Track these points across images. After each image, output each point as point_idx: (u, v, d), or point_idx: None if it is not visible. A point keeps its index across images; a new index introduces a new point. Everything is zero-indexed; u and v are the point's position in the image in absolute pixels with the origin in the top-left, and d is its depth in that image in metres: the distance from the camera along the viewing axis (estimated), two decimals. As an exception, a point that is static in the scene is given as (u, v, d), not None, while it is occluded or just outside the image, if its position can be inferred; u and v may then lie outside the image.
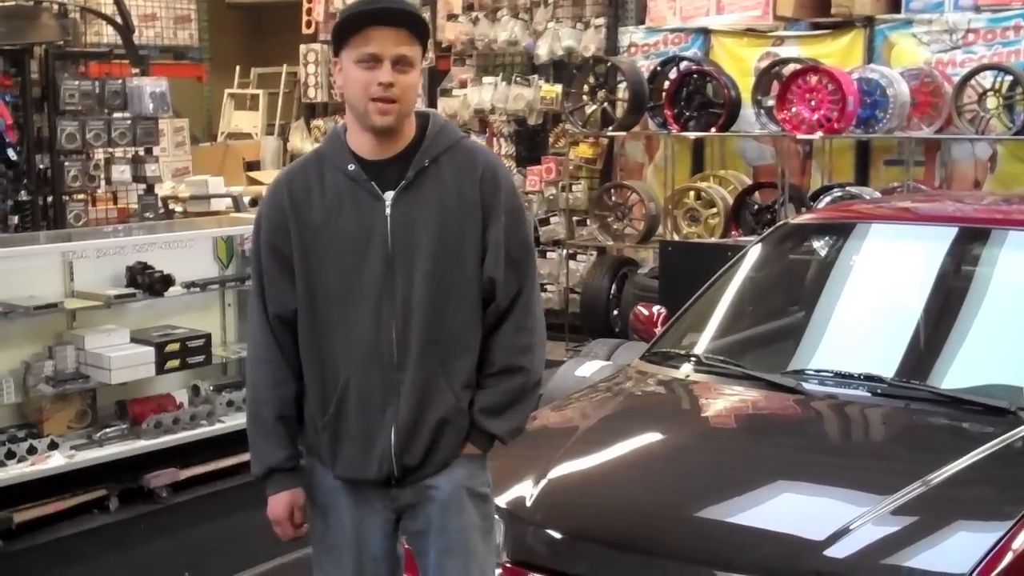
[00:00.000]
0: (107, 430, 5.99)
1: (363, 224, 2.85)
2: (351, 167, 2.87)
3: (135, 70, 8.61)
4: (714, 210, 8.60)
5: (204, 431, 6.22)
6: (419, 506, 2.95)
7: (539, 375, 3.01)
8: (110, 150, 8.08)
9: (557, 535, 3.30)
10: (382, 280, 2.85)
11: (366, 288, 2.85)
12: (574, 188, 9.77)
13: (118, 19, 8.93)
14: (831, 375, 3.99)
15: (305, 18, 11.93)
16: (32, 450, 5.65)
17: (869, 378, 3.91)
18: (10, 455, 5.58)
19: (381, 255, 2.84)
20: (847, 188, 7.83)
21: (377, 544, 2.98)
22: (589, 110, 9.23)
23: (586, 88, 9.24)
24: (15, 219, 7.62)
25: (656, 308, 4.79)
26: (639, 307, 4.87)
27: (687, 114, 8.68)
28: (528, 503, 3.38)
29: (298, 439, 3.00)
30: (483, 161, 2.95)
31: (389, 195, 2.85)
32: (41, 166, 7.85)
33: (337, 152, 2.90)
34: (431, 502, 2.94)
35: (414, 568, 3.08)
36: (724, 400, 4.09)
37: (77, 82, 7.89)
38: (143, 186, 8.31)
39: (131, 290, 6.10)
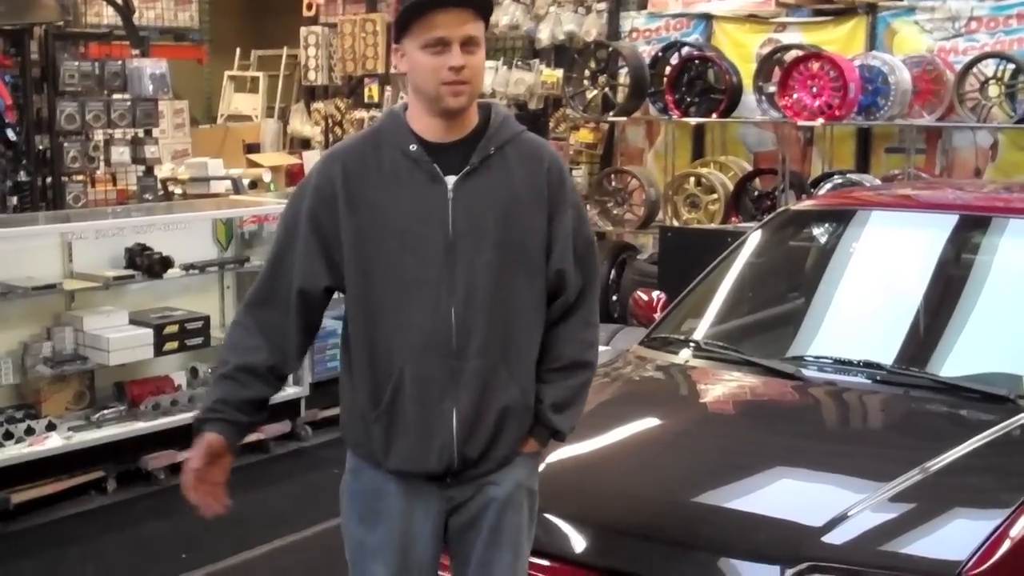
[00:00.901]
0: (105, 411, 6.00)
1: (422, 206, 2.77)
2: (413, 147, 2.79)
3: (135, 51, 8.62)
4: (714, 196, 8.59)
5: (202, 413, 6.21)
6: (473, 502, 2.87)
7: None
8: (109, 131, 8.08)
9: (556, 520, 3.29)
10: (442, 265, 2.76)
11: (424, 272, 2.77)
12: (574, 173, 9.74)
13: (118, 0, 8.91)
14: (830, 362, 3.99)
15: (306, 0, 11.90)
16: (30, 431, 5.66)
17: (868, 365, 3.91)
18: (8, 436, 5.59)
19: (441, 239, 2.76)
20: (847, 175, 7.83)
21: (425, 547, 2.88)
22: (590, 95, 9.22)
23: (587, 73, 9.22)
24: (14, 200, 7.63)
25: (656, 293, 4.79)
26: (639, 292, 4.87)
27: (688, 100, 8.67)
28: (526, 487, 3.37)
29: (234, 402, 2.85)
30: (548, 154, 2.91)
31: (451, 179, 2.78)
32: (40, 147, 7.86)
33: (397, 131, 2.82)
34: (489, 500, 2.87)
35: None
36: (723, 386, 4.09)
37: (77, 63, 7.88)
38: (142, 168, 8.31)
39: (130, 272, 6.10)
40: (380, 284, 2.78)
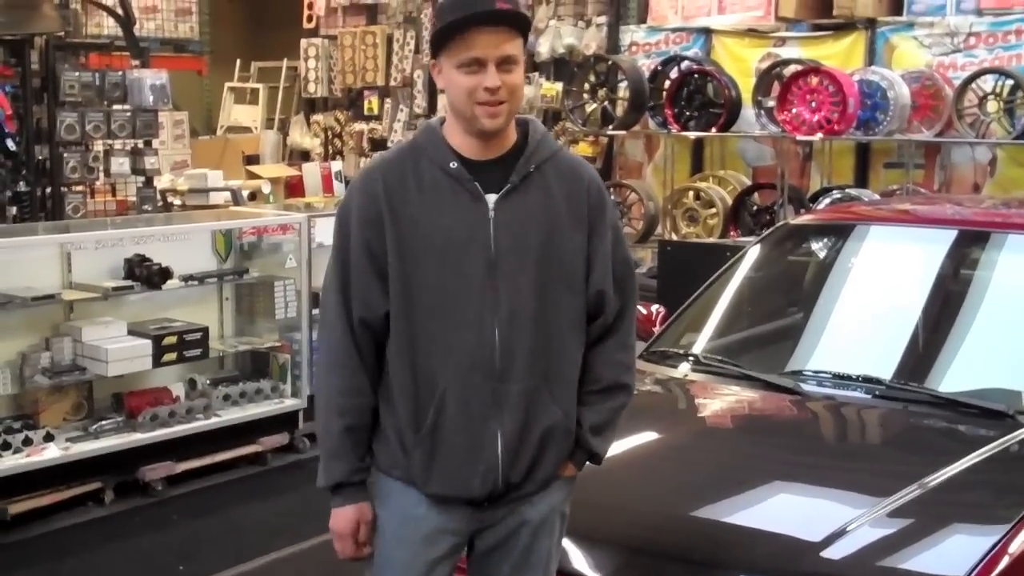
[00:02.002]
0: (103, 422, 5.99)
1: (463, 224, 2.71)
2: (453, 164, 2.73)
3: (135, 62, 8.62)
4: (713, 210, 8.60)
5: (200, 425, 6.21)
6: (503, 524, 2.82)
7: None
8: (109, 142, 8.07)
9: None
10: (485, 284, 2.71)
11: (467, 291, 2.71)
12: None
13: (119, 11, 8.94)
14: (829, 376, 3.99)
15: (306, 12, 11.94)
16: (28, 441, 5.65)
17: (867, 380, 3.91)
18: (5, 446, 5.57)
19: (484, 258, 2.71)
20: (846, 190, 7.84)
21: (443, 570, 2.83)
22: (589, 108, 9.24)
23: (587, 86, 9.25)
24: (13, 210, 7.62)
25: (655, 307, 4.79)
26: (637, 306, 4.86)
27: (687, 114, 8.69)
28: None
29: (366, 454, 2.81)
30: (587, 173, 2.87)
31: (491, 197, 2.73)
32: (40, 157, 7.85)
33: (436, 147, 2.76)
34: (523, 524, 2.82)
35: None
36: (722, 400, 4.09)
37: (77, 73, 7.88)
38: (142, 178, 8.30)
39: (129, 282, 6.09)
40: (422, 303, 2.72)
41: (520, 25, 2.69)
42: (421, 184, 2.74)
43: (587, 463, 2.93)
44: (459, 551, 2.86)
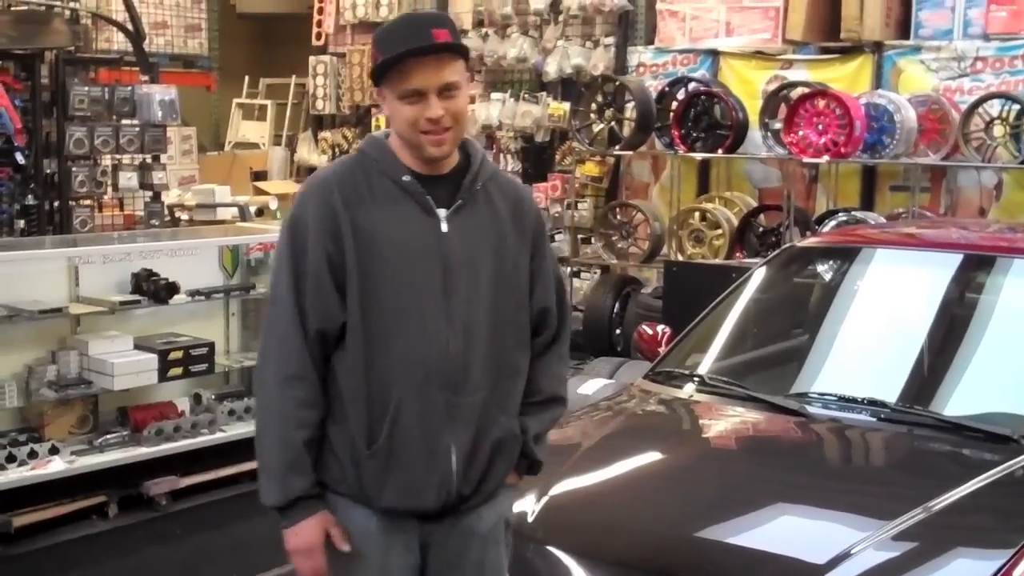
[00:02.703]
0: (108, 436, 5.99)
1: (418, 237, 2.74)
2: (406, 178, 2.76)
3: (144, 77, 8.65)
4: (719, 231, 8.61)
5: (205, 440, 6.21)
6: (455, 540, 2.84)
7: None
8: (118, 156, 8.10)
9: (558, 552, 3.29)
10: (440, 298, 2.73)
11: (423, 304, 2.73)
12: (580, 206, 9.78)
13: (129, 26, 8.97)
14: (835, 399, 3.99)
15: (315, 30, 11.97)
16: (33, 454, 5.66)
17: (872, 403, 3.91)
18: (11, 459, 5.58)
19: (437, 271, 2.74)
20: (852, 213, 7.84)
21: None
22: (596, 128, 9.25)
23: (594, 106, 9.26)
24: (21, 223, 7.65)
25: (661, 327, 4.80)
26: (644, 326, 4.88)
27: (694, 135, 8.69)
28: (529, 519, 3.38)
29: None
30: (527, 193, 2.97)
31: (442, 212, 2.77)
32: (49, 171, 7.89)
33: (387, 160, 2.79)
34: (471, 535, 2.84)
35: None
36: (727, 421, 4.09)
37: (87, 88, 7.93)
38: (149, 193, 8.33)
39: (136, 297, 6.11)
40: (379, 314, 2.72)
41: (458, 51, 2.73)
42: (374, 196, 2.75)
43: (527, 472, 2.97)
44: (415, 568, 2.84)
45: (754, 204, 8.85)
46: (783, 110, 8.32)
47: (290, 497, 2.74)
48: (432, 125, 2.69)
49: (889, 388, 4.00)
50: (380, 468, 2.74)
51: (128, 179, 8.15)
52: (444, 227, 2.76)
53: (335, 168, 2.85)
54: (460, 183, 2.80)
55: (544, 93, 10.15)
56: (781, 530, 3.38)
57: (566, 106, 9.73)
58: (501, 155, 10.46)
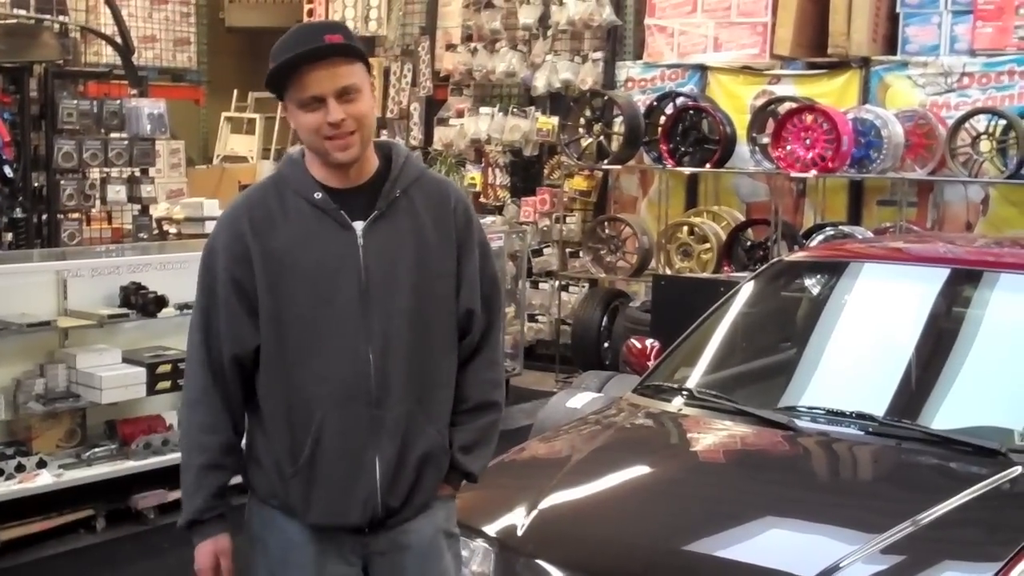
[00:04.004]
0: (96, 450, 5.98)
1: (332, 254, 2.71)
2: (318, 195, 2.73)
3: (133, 91, 8.65)
4: (707, 245, 8.63)
5: (193, 453, 6.18)
6: (393, 553, 2.81)
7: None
8: (106, 170, 8.09)
9: (547, 566, 3.29)
10: (358, 313, 2.71)
11: (340, 321, 2.71)
12: (568, 220, 9.80)
13: (118, 40, 8.96)
14: (823, 412, 4.01)
15: (304, 44, 11.96)
16: (20, 468, 5.63)
17: (860, 416, 3.92)
18: (-2, 472, 5.57)
19: (355, 287, 2.71)
20: (840, 227, 7.87)
21: None
22: (585, 143, 9.28)
23: (582, 121, 9.29)
24: (9, 236, 7.63)
25: (649, 341, 4.81)
26: (632, 340, 4.89)
27: (682, 149, 8.72)
28: (518, 533, 3.38)
29: (225, 489, 2.79)
30: (454, 193, 2.88)
31: (359, 225, 2.73)
32: (37, 184, 7.87)
33: (299, 179, 2.76)
34: (407, 548, 2.81)
35: None
36: (715, 435, 4.10)
37: (76, 101, 7.91)
38: (138, 207, 8.32)
39: (124, 310, 6.09)
40: (295, 335, 2.72)
41: (353, 52, 2.69)
42: (287, 216, 2.73)
43: (464, 481, 2.94)
44: (354, 575, 2.83)
45: (742, 218, 8.88)
46: (771, 125, 8.36)
47: (184, 520, 2.79)
48: (334, 130, 2.65)
49: (877, 402, 4.01)
50: (304, 485, 2.74)
51: (116, 192, 8.14)
52: (360, 240, 2.73)
53: (249, 193, 2.85)
54: (379, 192, 2.76)
55: (533, 107, 10.17)
56: (770, 543, 3.39)
57: (555, 120, 9.76)
58: (490, 169, 10.48)
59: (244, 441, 2.86)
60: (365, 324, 2.71)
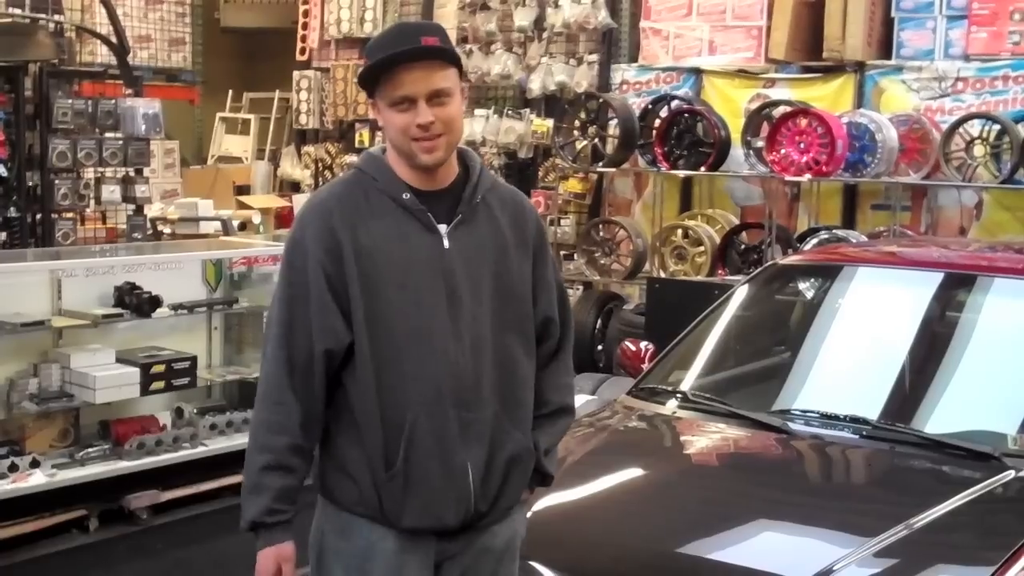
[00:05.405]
0: (89, 450, 5.97)
1: (420, 255, 2.72)
2: (406, 196, 2.74)
3: (128, 91, 8.64)
4: (701, 248, 8.63)
5: (186, 454, 6.19)
6: (466, 554, 2.81)
7: None
8: (101, 170, 8.09)
9: (541, 568, 3.29)
10: (446, 315, 2.71)
11: (430, 322, 2.71)
12: (562, 222, 9.80)
13: (113, 39, 8.95)
14: (817, 416, 4.01)
15: (299, 44, 11.97)
16: (13, 467, 5.63)
17: (854, 420, 3.93)
18: (-9, 472, 5.56)
19: (443, 289, 2.72)
20: (834, 231, 7.89)
21: None
22: (580, 145, 9.28)
23: (577, 123, 9.28)
24: (3, 235, 7.63)
25: (644, 344, 4.81)
26: (627, 342, 4.89)
27: (677, 152, 8.73)
28: (513, 535, 3.38)
29: (292, 492, 2.73)
30: (527, 203, 2.94)
31: (443, 228, 2.75)
32: (31, 183, 7.87)
33: (385, 177, 2.76)
34: (486, 552, 2.83)
35: None
36: (709, 438, 4.11)
37: (70, 101, 7.92)
38: (132, 206, 8.32)
39: (118, 310, 6.09)
40: (387, 334, 2.70)
41: (448, 58, 2.71)
42: (374, 215, 2.73)
43: (539, 485, 2.96)
44: None
45: (736, 222, 8.89)
46: (765, 128, 8.36)
47: (247, 520, 2.74)
48: (422, 132, 2.67)
49: (871, 405, 4.02)
50: (400, 490, 2.72)
51: (111, 192, 8.14)
52: (446, 243, 2.75)
53: (333, 189, 2.83)
54: (460, 197, 2.79)
55: (528, 110, 10.17)
56: (763, 546, 3.39)
57: (549, 123, 9.76)
58: (484, 171, 10.46)
59: (319, 449, 2.81)
60: (454, 326, 2.73)
